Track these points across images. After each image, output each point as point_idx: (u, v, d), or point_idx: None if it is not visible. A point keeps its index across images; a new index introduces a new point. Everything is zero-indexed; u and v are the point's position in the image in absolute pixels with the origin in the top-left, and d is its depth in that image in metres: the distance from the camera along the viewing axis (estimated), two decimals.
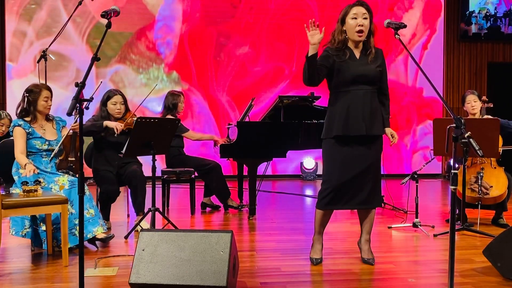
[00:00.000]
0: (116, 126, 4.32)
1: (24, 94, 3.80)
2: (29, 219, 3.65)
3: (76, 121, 3.99)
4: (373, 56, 3.26)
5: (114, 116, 4.50)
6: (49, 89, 3.86)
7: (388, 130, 3.35)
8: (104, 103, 4.50)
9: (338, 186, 3.26)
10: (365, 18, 3.19)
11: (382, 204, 3.43)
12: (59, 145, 3.81)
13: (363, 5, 3.22)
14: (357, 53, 3.28)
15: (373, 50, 3.27)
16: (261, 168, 5.18)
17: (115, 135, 4.33)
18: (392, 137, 3.35)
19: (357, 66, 3.23)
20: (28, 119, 3.78)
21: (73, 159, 4.27)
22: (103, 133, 4.39)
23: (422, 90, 8.79)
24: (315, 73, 3.15)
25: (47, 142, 3.78)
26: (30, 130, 3.74)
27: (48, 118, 3.91)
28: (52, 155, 3.80)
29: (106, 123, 4.37)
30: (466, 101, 4.67)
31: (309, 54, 3.09)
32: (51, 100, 3.86)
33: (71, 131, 3.91)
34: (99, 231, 3.73)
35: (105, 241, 3.83)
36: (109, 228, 4.47)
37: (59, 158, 3.86)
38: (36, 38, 7.83)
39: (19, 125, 3.72)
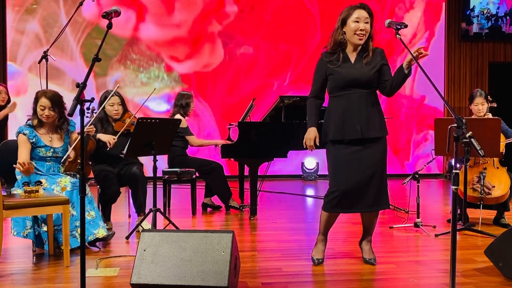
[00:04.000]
0: (109, 140, 4.29)
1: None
2: (30, 219, 3.65)
3: (89, 124, 3.97)
4: (369, 59, 3.23)
5: (112, 118, 4.50)
6: (50, 98, 3.67)
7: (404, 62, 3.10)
8: (101, 104, 4.49)
9: (346, 189, 3.22)
10: (367, 23, 3.18)
11: (370, 208, 3.35)
12: (71, 149, 3.78)
13: (365, 8, 3.20)
14: (352, 57, 3.26)
15: (370, 53, 3.23)
16: (263, 168, 5.18)
17: (108, 149, 4.29)
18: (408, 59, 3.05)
19: (350, 70, 3.22)
20: (36, 125, 3.72)
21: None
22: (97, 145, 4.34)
23: (424, 97, 8.78)
24: (320, 112, 3.46)
25: (51, 150, 3.75)
26: (34, 139, 3.68)
27: (61, 128, 3.80)
28: (63, 160, 3.78)
29: (99, 136, 4.34)
30: (474, 102, 4.63)
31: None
32: (50, 110, 3.67)
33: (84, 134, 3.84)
34: (100, 233, 3.71)
35: (107, 239, 3.82)
36: (110, 229, 4.47)
37: (69, 160, 3.84)
38: (37, 39, 7.82)
39: (24, 134, 3.66)
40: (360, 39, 3.19)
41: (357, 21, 3.17)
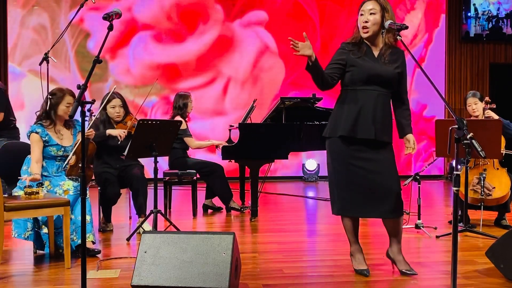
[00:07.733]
0: (119, 133, 4.33)
1: (47, 96, 3.76)
2: (31, 221, 3.64)
3: (89, 128, 3.97)
4: (388, 54, 3.05)
5: (114, 120, 4.51)
6: (73, 95, 3.78)
7: (409, 136, 3.17)
8: (103, 106, 4.49)
9: (349, 190, 3.07)
10: (372, 14, 3.01)
11: (391, 214, 3.14)
12: (72, 152, 3.78)
13: None
14: (375, 52, 3.10)
15: (385, 47, 3.06)
16: (263, 170, 5.18)
17: (119, 142, 4.33)
18: (410, 144, 3.16)
19: (374, 65, 3.03)
20: (46, 123, 3.73)
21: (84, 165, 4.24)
22: (107, 141, 4.39)
23: (425, 106, 8.72)
24: (324, 79, 2.99)
25: (62, 149, 3.76)
26: (46, 138, 3.69)
27: (68, 125, 3.84)
28: (65, 163, 3.79)
29: (109, 131, 4.38)
30: (467, 103, 4.65)
31: (306, 66, 2.92)
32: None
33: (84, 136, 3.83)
34: (90, 238, 3.67)
35: (89, 252, 3.62)
36: (111, 230, 4.48)
37: (70, 164, 3.83)
38: (38, 40, 7.83)
39: (37, 132, 3.67)
40: (364, 32, 3.04)
41: (362, 14, 3.05)
